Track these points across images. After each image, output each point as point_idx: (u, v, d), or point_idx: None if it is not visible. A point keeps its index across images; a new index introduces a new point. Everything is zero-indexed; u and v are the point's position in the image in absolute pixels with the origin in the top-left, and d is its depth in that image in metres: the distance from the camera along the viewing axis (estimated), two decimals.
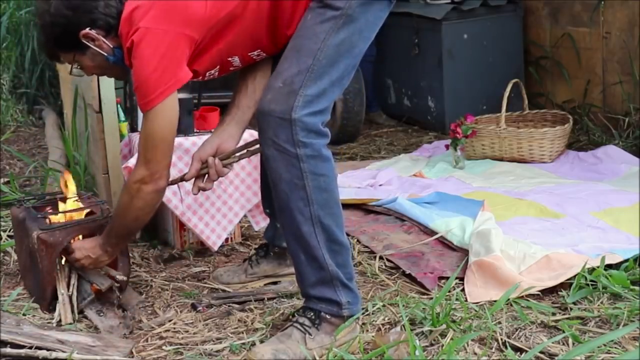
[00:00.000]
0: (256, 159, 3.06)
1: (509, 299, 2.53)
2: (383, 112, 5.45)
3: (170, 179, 2.46)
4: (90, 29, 2.33)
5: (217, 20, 2.27)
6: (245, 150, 2.51)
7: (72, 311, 2.56)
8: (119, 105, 3.37)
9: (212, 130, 2.68)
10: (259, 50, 2.41)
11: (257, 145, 2.50)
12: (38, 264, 2.58)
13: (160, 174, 2.34)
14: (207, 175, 2.50)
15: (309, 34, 2.22)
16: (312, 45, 2.20)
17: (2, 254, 3.13)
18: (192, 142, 3.00)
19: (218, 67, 2.41)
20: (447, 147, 4.34)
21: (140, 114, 3.12)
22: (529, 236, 3.03)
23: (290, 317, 2.48)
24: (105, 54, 2.37)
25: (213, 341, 2.43)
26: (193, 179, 2.51)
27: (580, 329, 2.39)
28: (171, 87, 2.24)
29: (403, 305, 2.52)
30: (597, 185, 3.71)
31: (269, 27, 2.34)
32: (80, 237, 2.70)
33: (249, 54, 2.41)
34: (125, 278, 2.66)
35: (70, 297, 2.58)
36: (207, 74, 2.42)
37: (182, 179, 2.54)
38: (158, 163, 2.33)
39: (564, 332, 2.35)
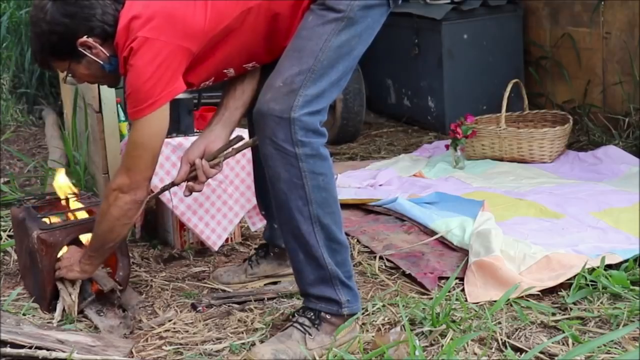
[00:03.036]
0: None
1: (509, 299, 2.53)
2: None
3: (162, 185, 2.45)
4: (87, 37, 2.30)
5: (215, 33, 2.27)
6: (230, 149, 2.51)
7: (73, 308, 2.57)
8: (119, 105, 3.37)
9: None
10: (253, 62, 2.43)
11: (242, 142, 2.50)
12: (38, 264, 2.58)
13: (139, 184, 2.32)
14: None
15: (310, 35, 2.22)
16: (314, 46, 2.20)
17: (2, 254, 3.13)
18: (191, 142, 3.00)
19: (213, 78, 2.42)
20: (447, 147, 4.34)
21: None
22: (529, 236, 3.03)
23: (290, 317, 2.48)
24: (102, 62, 2.34)
25: (213, 341, 2.43)
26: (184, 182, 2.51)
27: (580, 329, 2.39)
28: (163, 99, 2.23)
29: (403, 305, 2.52)
30: (597, 185, 3.71)
31: (266, 40, 2.35)
32: (82, 237, 2.71)
33: (244, 65, 2.43)
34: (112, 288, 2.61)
35: (69, 292, 2.58)
36: (202, 84, 2.43)
37: (173, 184, 2.54)
38: (139, 173, 2.31)
39: (564, 332, 2.35)
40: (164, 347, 2.40)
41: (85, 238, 2.75)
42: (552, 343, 2.27)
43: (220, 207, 3.07)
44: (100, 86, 3.21)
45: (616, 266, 2.72)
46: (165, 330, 2.51)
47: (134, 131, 2.28)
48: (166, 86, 2.22)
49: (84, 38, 2.30)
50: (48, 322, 2.54)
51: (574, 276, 2.65)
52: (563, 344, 2.30)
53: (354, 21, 2.23)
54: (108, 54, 2.33)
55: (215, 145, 2.48)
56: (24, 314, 2.59)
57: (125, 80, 2.28)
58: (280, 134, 2.17)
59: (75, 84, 2.51)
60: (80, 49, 2.32)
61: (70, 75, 2.41)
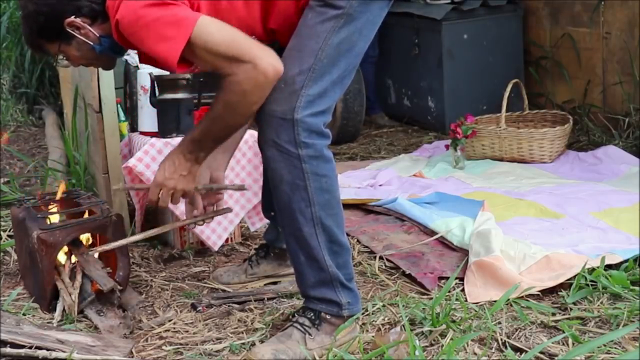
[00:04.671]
0: (257, 159, 3.06)
1: (508, 299, 2.53)
2: (385, 113, 5.46)
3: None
4: (75, 17, 2.25)
5: None
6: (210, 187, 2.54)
7: (72, 308, 2.56)
8: (119, 105, 3.37)
9: None
10: (252, 37, 2.32)
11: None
12: (38, 263, 2.58)
13: (260, 59, 2.08)
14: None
15: (310, 34, 2.20)
16: (314, 44, 2.19)
17: (2, 254, 3.13)
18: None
19: None
20: (447, 147, 4.34)
21: (140, 114, 3.14)
22: (529, 236, 3.03)
23: (290, 317, 2.48)
24: (92, 43, 2.29)
25: (213, 341, 2.43)
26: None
27: (580, 329, 2.39)
28: (190, 17, 2.07)
29: (403, 305, 2.52)
30: (597, 185, 3.72)
31: (262, 14, 2.27)
32: (82, 237, 2.71)
33: None
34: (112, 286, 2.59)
35: (69, 292, 2.58)
36: None
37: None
38: (250, 50, 2.08)
39: (564, 332, 2.35)
40: (164, 347, 2.40)
41: (85, 238, 2.76)
42: (552, 343, 2.27)
43: None
44: (100, 84, 3.20)
45: (616, 266, 2.72)
46: (165, 330, 2.51)
47: (201, 48, 2.08)
48: (183, 9, 2.09)
49: (72, 18, 2.25)
50: (48, 322, 2.54)
51: (574, 276, 2.65)
52: (563, 344, 2.30)
53: (353, 17, 2.21)
54: (98, 34, 2.28)
55: (219, 172, 2.53)
56: (24, 314, 2.59)
57: (136, 39, 2.13)
58: (283, 135, 2.16)
59: (67, 66, 2.47)
60: (68, 30, 2.27)
61: (62, 58, 2.36)
